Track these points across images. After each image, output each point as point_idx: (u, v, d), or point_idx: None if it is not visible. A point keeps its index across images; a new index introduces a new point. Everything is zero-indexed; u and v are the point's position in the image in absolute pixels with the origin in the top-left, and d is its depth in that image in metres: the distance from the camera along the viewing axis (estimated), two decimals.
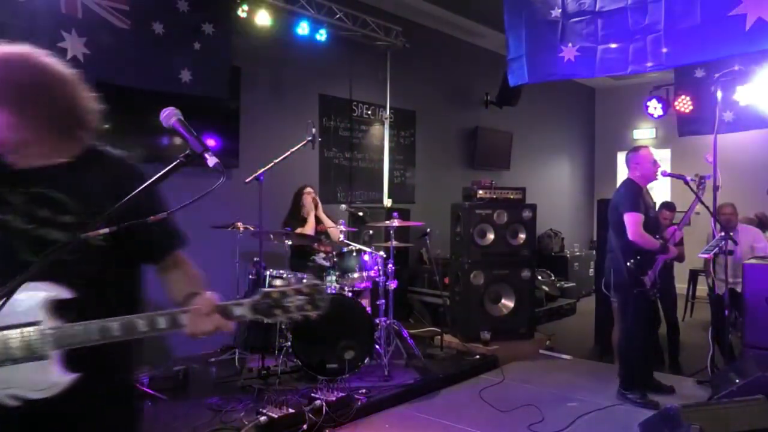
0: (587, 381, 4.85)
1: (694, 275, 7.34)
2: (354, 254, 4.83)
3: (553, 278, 8.14)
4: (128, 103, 4.54)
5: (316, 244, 5.15)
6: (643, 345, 4.32)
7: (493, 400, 4.33)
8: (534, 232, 5.99)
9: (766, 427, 3.16)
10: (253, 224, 4.63)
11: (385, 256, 4.87)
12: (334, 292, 4.50)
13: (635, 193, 4.25)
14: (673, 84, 6.71)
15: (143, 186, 1.47)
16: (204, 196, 1.54)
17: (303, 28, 5.75)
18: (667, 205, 5.63)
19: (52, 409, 1.42)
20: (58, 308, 1.41)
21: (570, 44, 4.63)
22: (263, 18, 5.39)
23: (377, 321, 4.66)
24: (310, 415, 3.57)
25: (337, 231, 5.02)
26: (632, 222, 4.12)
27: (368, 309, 4.63)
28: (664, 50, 4.21)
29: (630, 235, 4.11)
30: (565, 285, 8.26)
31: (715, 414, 3.22)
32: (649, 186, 4.50)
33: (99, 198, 1.48)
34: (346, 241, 4.89)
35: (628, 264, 4.13)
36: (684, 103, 6.42)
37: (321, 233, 5.24)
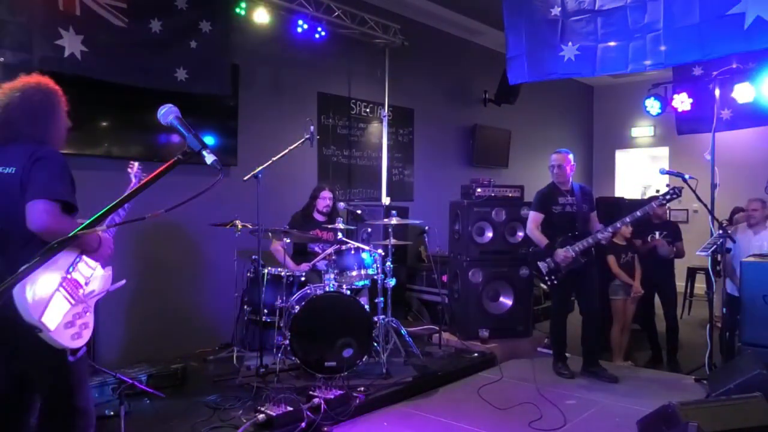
0: (586, 379, 4.85)
1: (692, 273, 7.35)
2: (352, 252, 4.82)
3: None
4: (126, 100, 4.54)
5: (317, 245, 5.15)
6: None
7: (491, 398, 4.33)
8: None
9: (764, 425, 3.18)
10: (251, 222, 4.63)
11: (383, 253, 4.86)
12: (332, 290, 4.50)
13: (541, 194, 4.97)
14: (671, 82, 6.71)
15: (142, 183, 1.47)
16: (202, 194, 1.54)
17: (301, 26, 5.75)
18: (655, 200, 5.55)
19: None
20: None
21: (570, 43, 4.63)
22: (261, 16, 5.38)
23: (376, 319, 4.66)
24: (309, 413, 3.57)
25: None
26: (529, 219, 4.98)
27: (366, 307, 4.63)
28: (663, 48, 4.22)
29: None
30: None
31: (712, 411, 3.23)
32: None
33: None
34: (344, 239, 4.89)
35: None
36: (682, 101, 6.43)
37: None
